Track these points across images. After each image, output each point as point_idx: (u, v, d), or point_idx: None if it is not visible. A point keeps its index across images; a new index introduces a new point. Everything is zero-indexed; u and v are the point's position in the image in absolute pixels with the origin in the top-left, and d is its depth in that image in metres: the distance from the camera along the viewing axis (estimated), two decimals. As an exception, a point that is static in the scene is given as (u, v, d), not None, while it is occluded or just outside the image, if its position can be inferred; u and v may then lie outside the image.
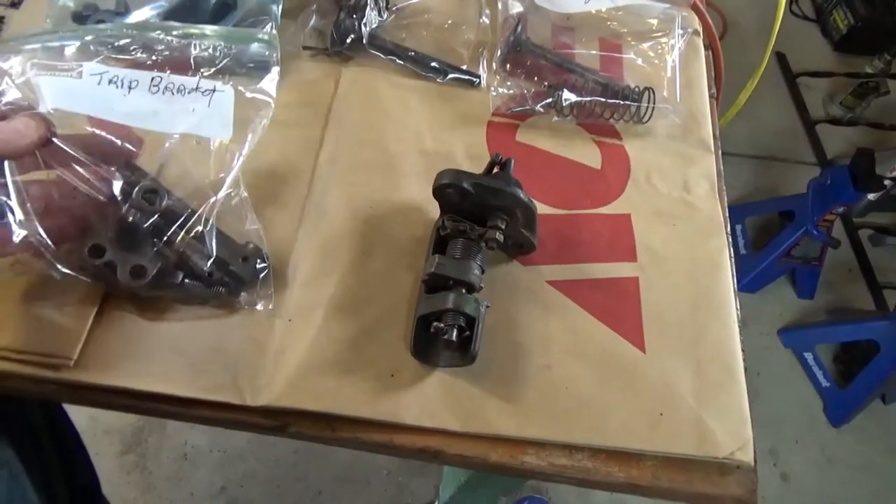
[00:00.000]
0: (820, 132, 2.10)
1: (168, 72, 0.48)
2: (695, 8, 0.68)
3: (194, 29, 0.50)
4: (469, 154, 0.57)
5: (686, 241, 0.57)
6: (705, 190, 0.60)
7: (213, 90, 0.47)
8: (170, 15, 0.54)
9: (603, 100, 0.60)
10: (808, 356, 1.63)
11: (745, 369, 0.50)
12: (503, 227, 0.48)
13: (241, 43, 0.50)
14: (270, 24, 0.56)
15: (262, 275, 0.47)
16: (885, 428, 1.61)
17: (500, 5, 0.63)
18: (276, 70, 0.49)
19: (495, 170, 0.51)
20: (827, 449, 1.57)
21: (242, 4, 0.56)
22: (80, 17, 0.55)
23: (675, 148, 0.62)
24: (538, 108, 0.59)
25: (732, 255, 0.58)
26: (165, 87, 0.47)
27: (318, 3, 0.59)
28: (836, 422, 1.57)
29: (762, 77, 2.28)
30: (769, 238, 1.76)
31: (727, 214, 0.60)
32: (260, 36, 0.51)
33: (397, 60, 0.59)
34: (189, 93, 0.47)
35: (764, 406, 1.60)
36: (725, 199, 0.61)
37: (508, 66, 0.60)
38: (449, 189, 0.47)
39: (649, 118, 0.61)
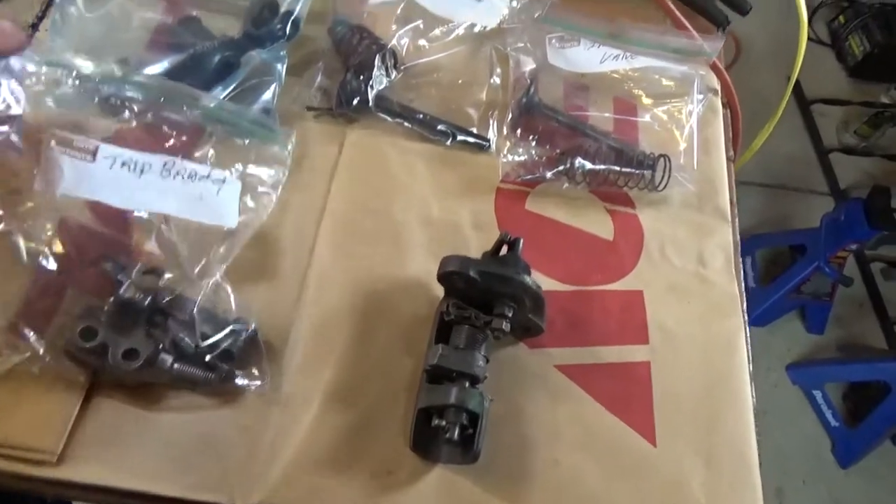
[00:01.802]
0: (833, 161, 2.07)
1: (180, 156, 0.47)
2: (714, 67, 0.66)
3: (212, 104, 0.50)
4: (476, 223, 0.55)
5: (700, 320, 0.54)
6: (721, 263, 0.58)
7: (223, 181, 0.47)
8: (172, 74, 0.52)
9: (618, 168, 0.57)
10: (818, 394, 1.60)
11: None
12: (510, 315, 0.45)
13: (254, 137, 0.49)
14: (274, 85, 0.54)
15: (254, 356, 0.46)
16: (894, 470, 1.58)
17: (511, 63, 0.61)
18: (284, 171, 0.50)
19: (503, 249, 0.49)
20: (834, 490, 1.54)
21: (246, 63, 0.54)
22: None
23: (690, 217, 0.59)
24: (549, 175, 0.57)
25: (748, 334, 0.55)
26: (177, 173, 0.46)
27: (325, 62, 0.57)
28: (845, 463, 1.54)
29: (775, 103, 2.26)
30: (779, 270, 1.73)
31: (743, 289, 0.58)
32: (274, 134, 0.51)
33: (405, 123, 0.57)
34: (199, 180, 0.47)
35: (771, 445, 1.57)
36: (742, 273, 0.59)
37: (519, 130, 0.58)
38: (454, 277, 0.45)
39: (665, 187, 0.58)
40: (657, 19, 0.68)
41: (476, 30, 0.61)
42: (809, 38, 2.41)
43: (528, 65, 0.60)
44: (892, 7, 2.33)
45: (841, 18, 2.38)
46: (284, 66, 0.55)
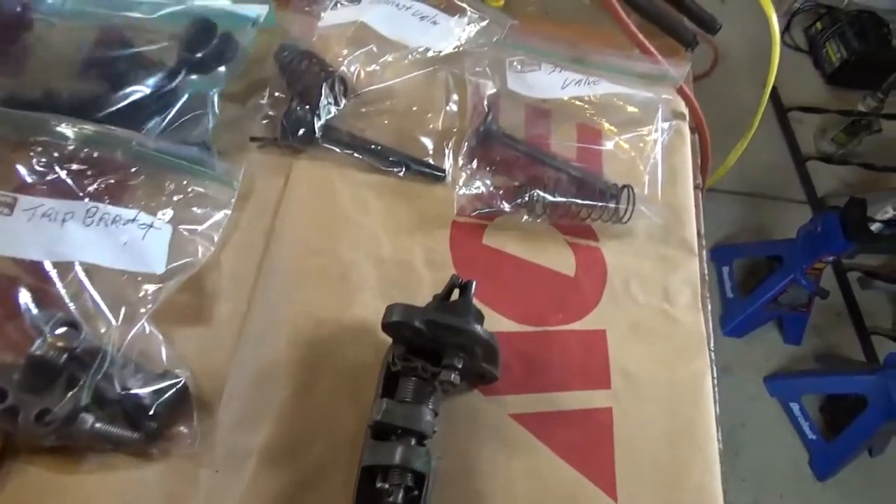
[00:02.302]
0: (811, 169, 2.07)
1: (106, 200, 0.45)
2: (681, 91, 0.63)
3: (145, 143, 0.46)
4: (429, 261, 0.52)
5: (665, 362, 0.52)
6: (687, 299, 0.55)
7: (150, 225, 0.44)
8: (102, 106, 0.49)
9: (579, 201, 0.55)
10: (795, 407, 1.59)
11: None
12: (459, 366, 0.43)
13: (192, 174, 0.46)
14: (208, 121, 0.50)
15: (185, 412, 0.42)
16: (871, 482, 1.57)
17: (469, 89, 0.58)
18: (225, 213, 0.47)
19: (455, 293, 0.46)
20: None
21: (183, 93, 0.51)
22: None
23: (655, 250, 0.57)
24: (508, 208, 0.54)
25: (715, 377, 0.53)
26: (100, 219, 0.43)
27: (271, 89, 0.54)
28: (822, 475, 1.53)
29: (753, 111, 2.25)
30: (756, 281, 1.72)
31: (710, 327, 0.55)
32: (217, 174, 0.48)
33: (354, 154, 0.54)
34: (124, 224, 0.44)
35: (748, 459, 1.56)
36: (709, 308, 0.56)
37: (476, 160, 0.55)
38: (400, 326, 0.42)
39: (629, 219, 0.56)
40: (622, 43, 0.65)
41: (430, 54, 0.58)
42: (786, 45, 2.42)
43: (487, 90, 0.58)
44: (868, 14, 2.33)
45: (818, 25, 2.38)
46: (217, 94, 0.51)
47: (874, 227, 1.74)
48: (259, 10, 0.54)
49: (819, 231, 1.48)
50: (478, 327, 0.43)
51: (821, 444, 1.54)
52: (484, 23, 0.59)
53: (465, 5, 0.60)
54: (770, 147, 2.12)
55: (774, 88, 2.22)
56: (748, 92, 2.23)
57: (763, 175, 2.05)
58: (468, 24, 0.59)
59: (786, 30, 2.44)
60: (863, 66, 2.22)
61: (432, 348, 0.43)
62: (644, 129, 0.59)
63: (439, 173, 0.55)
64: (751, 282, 1.76)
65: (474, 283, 0.46)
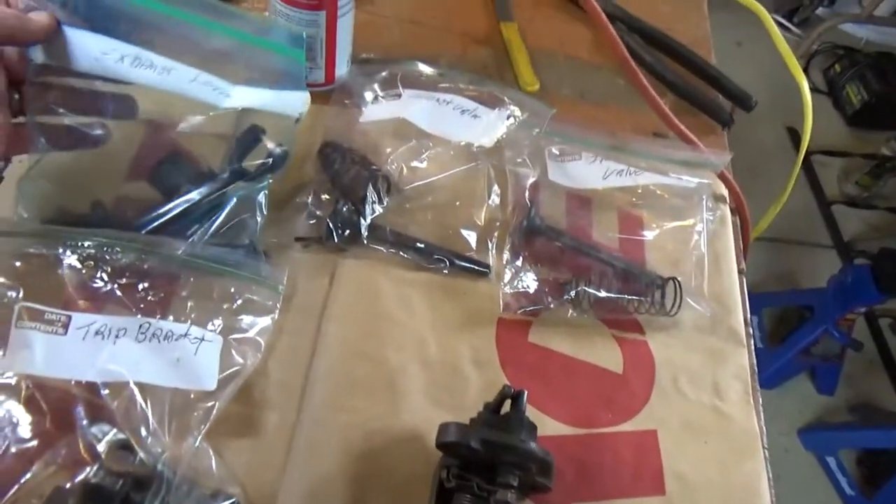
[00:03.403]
0: (836, 213, 2.05)
1: (158, 314, 0.44)
2: (721, 176, 0.63)
3: (193, 252, 0.47)
4: (476, 361, 0.52)
5: (719, 462, 0.51)
6: (738, 394, 0.54)
7: (202, 339, 0.43)
8: (157, 221, 0.49)
9: (626, 296, 0.54)
10: (831, 461, 1.55)
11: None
12: (515, 484, 0.42)
13: (240, 281, 0.46)
14: (258, 220, 0.51)
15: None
16: (914, 539, 1.52)
17: (510, 180, 0.58)
18: (272, 318, 0.47)
19: (506, 403, 0.45)
20: (853, 564, 1.48)
21: (230, 200, 0.51)
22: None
23: (703, 342, 0.56)
24: (553, 304, 0.54)
25: (771, 478, 0.52)
26: (153, 335, 0.43)
27: (315, 188, 0.54)
28: (863, 534, 1.49)
29: (775, 155, 2.25)
30: (786, 329, 1.69)
31: (763, 422, 0.54)
32: (262, 277, 0.47)
33: (399, 252, 0.54)
34: (176, 339, 0.43)
35: (785, 515, 1.51)
36: (760, 401, 0.55)
37: (520, 256, 0.55)
38: (454, 446, 0.41)
39: (677, 311, 0.55)
40: (658, 124, 0.65)
41: (473, 148, 0.58)
42: (806, 87, 2.41)
43: (528, 181, 0.58)
44: (887, 55, 2.34)
45: (836, 67, 2.39)
46: (265, 199, 0.51)
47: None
48: (301, 108, 0.54)
49: (850, 282, 1.46)
50: (533, 445, 0.42)
51: (860, 500, 1.49)
52: (524, 115, 0.59)
53: (504, 97, 0.60)
54: (794, 191, 2.09)
55: (795, 131, 2.22)
56: (770, 133, 2.23)
57: (787, 220, 2.03)
58: (508, 116, 0.59)
59: (804, 72, 2.44)
60: (884, 107, 2.22)
61: (485, 464, 0.43)
62: (688, 220, 0.58)
63: (483, 269, 0.55)
64: (781, 330, 1.74)
65: (525, 394, 0.45)
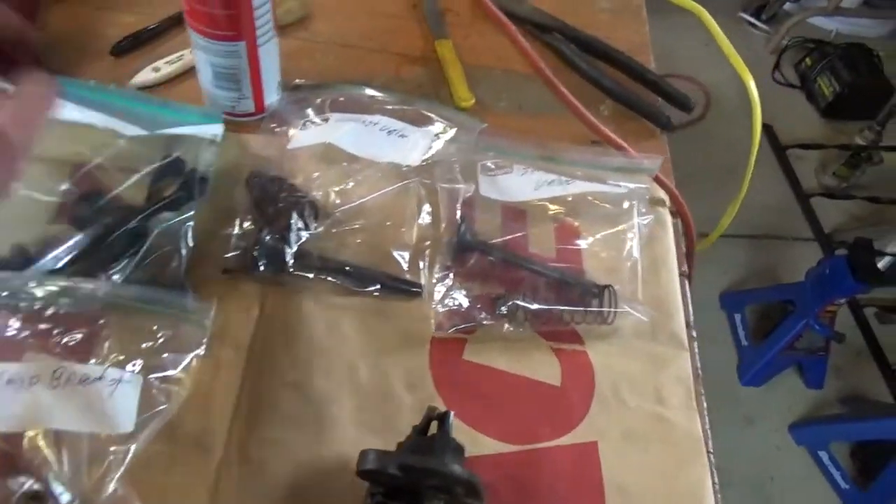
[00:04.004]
0: (815, 205, 2.05)
1: (73, 358, 0.44)
2: (657, 180, 0.63)
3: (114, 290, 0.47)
4: (409, 384, 0.51)
5: (661, 470, 0.50)
6: (680, 398, 0.53)
7: (119, 380, 0.43)
8: (78, 258, 0.49)
9: (561, 308, 0.54)
10: (824, 455, 1.53)
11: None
12: (440, 508, 0.41)
13: (166, 320, 0.46)
14: (183, 253, 0.50)
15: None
16: (913, 530, 1.50)
17: (441, 198, 0.58)
18: (197, 354, 0.47)
19: (432, 426, 0.45)
20: (852, 559, 1.46)
21: (153, 232, 0.51)
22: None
23: (643, 348, 0.56)
24: (488, 320, 0.53)
25: (717, 482, 0.51)
26: (67, 380, 0.43)
27: (241, 218, 0.54)
28: (861, 528, 1.47)
29: (749, 151, 2.24)
30: (770, 325, 1.69)
31: (707, 426, 0.53)
32: (189, 314, 0.47)
33: (328, 278, 0.53)
34: (92, 383, 0.43)
35: (781, 513, 1.50)
36: (704, 405, 0.54)
37: (451, 274, 0.54)
38: (374, 474, 0.41)
39: (613, 320, 0.54)
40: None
41: (403, 168, 0.58)
42: (778, 82, 2.43)
43: (459, 198, 0.57)
44: (856, 46, 2.35)
45: (807, 61, 2.40)
46: (191, 231, 0.51)
47: (883, 262, 1.72)
48: (215, 130, 0.54)
49: (828, 274, 1.45)
50: (455, 467, 0.41)
51: (855, 493, 1.48)
52: (453, 131, 0.59)
53: (432, 115, 0.60)
54: (772, 186, 2.11)
55: (770, 127, 2.22)
56: (744, 131, 2.22)
57: (767, 215, 2.04)
58: (437, 133, 0.59)
59: (776, 68, 2.46)
60: (856, 97, 2.23)
61: (410, 490, 0.42)
62: (622, 225, 0.58)
63: (415, 289, 0.54)
64: (765, 326, 1.73)
65: (451, 416, 0.44)
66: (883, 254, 1.79)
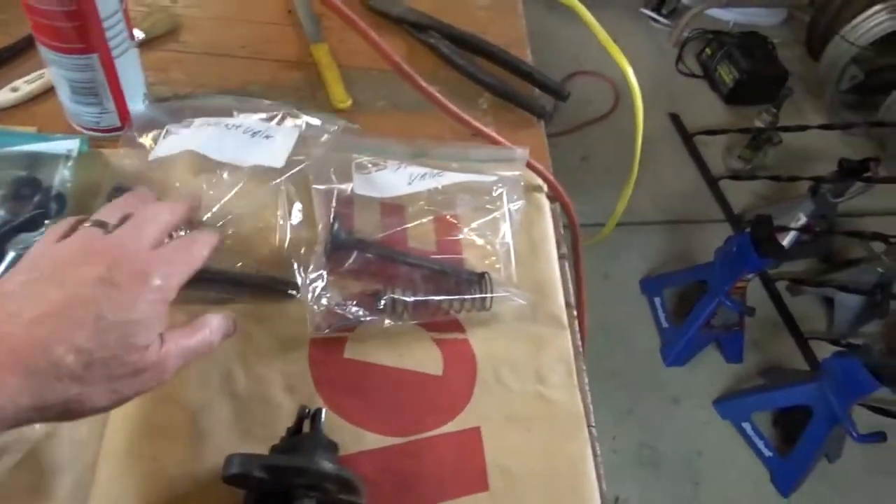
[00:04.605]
0: (724, 188, 2.14)
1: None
2: (530, 166, 0.64)
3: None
4: (289, 387, 0.50)
5: (543, 448, 0.51)
6: (561, 377, 0.55)
7: None
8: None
9: (437, 298, 0.54)
10: (747, 426, 1.59)
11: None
12: (311, 507, 0.41)
13: None
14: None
15: None
16: (835, 488, 1.57)
17: (316, 198, 0.57)
18: None
19: (305, 425, 0.44)
20: (780, 522, 1.52)
21: (12, 253, 0.49)
22: None
23: (524, 330, 0.56)
24: (367, 317, 0.53)
25: (599, 453, 0.52)
26: None
27: (104, 234, 0.52)
28: (785, 492, 1.53)
29: (661, 140, 2.33)
30: (689, 306, 1.74)
31: (588, 400, 0.55)
32: None
33: (199, 288, 0.52)
34: None
35: (710, 486, 1.55)
36: (585, 381, 0.56)
37: (327, 273, 0.54)
38: (241, 478, 0.40)
39: (491, 305, 0.55)
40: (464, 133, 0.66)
41: (269, 170, 0.57)
42: (682, 73, 2.53)
43: (333, 197, 0.57)
44: (752, 34, 2.46)
45: (707, 50, 2.50)
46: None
47: (787, 237, 1.80)
48: (70, 145, 0.53)
49: (735, 252, 1.51)
50: (324, 463, 0.41)
51: (778, 460, 1.54)
52: (323, 134, 0.59)
53: (298, 113, 0.60)
54: (682, 173, 2.19)
55: (677, 116, 2.31)
56: (654, 121, 2.31)
57: (680, 201, 2.11)
58: (304, 132, 0.59)
59: (679, 59, 2.55)
60: (755, 83, 2.34)
61: (281, 491, 0.41)
62: (496, 213, 0.59)
63: (290, 290, 0.54)
64: (684, 307, 1.79)
65: (323, 412, 0.44)
66: (788, 229, 1.88)
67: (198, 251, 0.43)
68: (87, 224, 0.42)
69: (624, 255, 1.91)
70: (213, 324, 0.44)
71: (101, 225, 0.41)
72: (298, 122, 0.58)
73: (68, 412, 0.35)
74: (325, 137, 0.58)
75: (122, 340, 0.36)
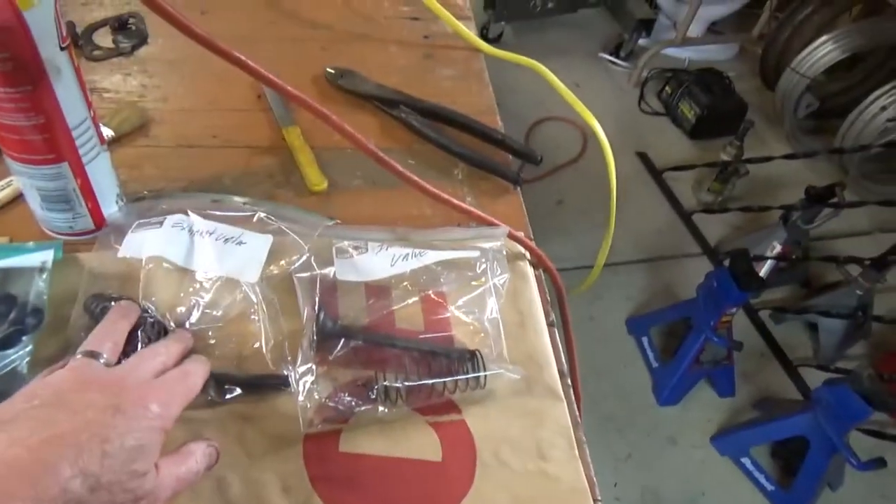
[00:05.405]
0: (697, 221, 2.17)
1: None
2: (511, 237, 0.64)
3: None
4: (285, 487, 0.49)
5: (551, 530, 0.49)
6: (563, 451, 0.54)
7: None
8: None
9: (431, 381, 0.53)
10: (746, 461, 1.58)
11: None
12: None
13: None
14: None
15: None
16: (840, 518, 1.56)
17: (298, 289, 0.57)
18: None
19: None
20: (791, 557, 1.50)
21: None
22: None
23: (521, 406, 0.56)
24: (359, 408, 0.52)
25: None
26: None
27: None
28: (792, 525, 1.51)
29: (632, 179, 2.36)
30: (677, 343, 1.74)
31: (592, 473, 0.53)
32: None
33: (185, 393, 0.51)
34: None
35: (717, 527, 1.52)
36: (587, 452, 0.55)
37: (314, 366, 0.53)
38: None
39: (485, 383, 0.54)
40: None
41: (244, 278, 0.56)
42: (645, 112, 2.59)
43: (317, 286, 0.57)
44: (708, 70, 2.54)
45: (667, 89, 2.57)
46: (28, 366, 0.48)
47: (765, 266, 1.83)
48: (44, 257, 0.52)
49: (716, 287, 1.52)
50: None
51: (780, 493, 1.53)
52: (298, 236, 0.59)
53: (272, 220, 0.59)
54: (655, 210, 2.22)
55: (645, 154, 2.35)
56: (623, 160, 2.36)
57: (657, 238, 2.13)
58: (263, 251, 0.58)
59: (641, 98, 2.62)
60: (716, 117, 2.40)
61: None
62: (478, 289, 0.59)
63: (281, 385, 0.53)
64: (673, 345, 1.79)
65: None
66: (764, 258, 1.91)
67: (193, 382, 0.45)
68: (78, 356, 0.43)
69: (607, 296, 1.92)
70: (198, 453, 0.44)
71: (92, 355, 0.43)
72: (278, 227, 0.58)
73: None
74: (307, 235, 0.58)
75: (126, 466, 0.36)
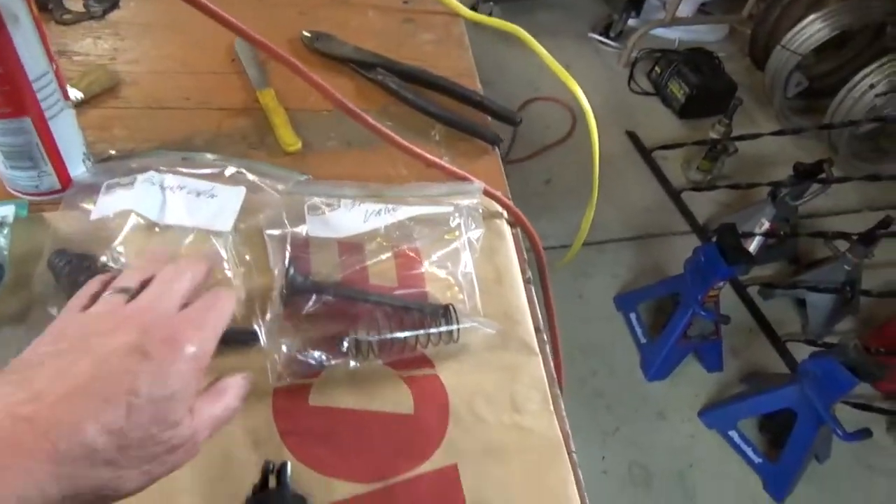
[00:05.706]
0: (686, 199, 2.16)
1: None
2: (487, 193, 0.63)
3: None
4: (254, 442, 0.48)
5: (524, 479, 0.49)
6: (537, 404, 0.53)
7: None
8: None
9: (403, 335, 0.53)
10: (734, 435, 1.58)
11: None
12: (281, 567, 0.38)
13: None
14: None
15: None
16: (828, 489, 1.57)
17: (269, 245, 0.56)
18: None
19: (271, 481, 0.42)
20: (777, 528, 1.51)
21: None
22: None
23: (495, 360, 0.55)
24: (329, 363, 0.51)
25: (581, 480, 0.50)
26: None
27: (49, 301, 0.50)
28: (778, 497, 1.52)
29: (621, 158, 2.35)
30: (665, 319, 1.74)
31: (567, 426, 0.53)
32: None
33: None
34: None
35: (704, 498, 1.53)
36: (562, 406, 0.54)
37: (284, 319, 0.52)
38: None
39: (458, 337, 0.54)
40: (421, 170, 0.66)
41: (217, 228, 0.56)
42: (635, 92, 2.57)
43: (287, 242, 0.56)
44: (698, 50, 2.53)
45: (657, 69, 2.56)
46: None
47: (753, 243, 1.82)
48: (4, 212, 0.51)
49: (703, 262, 1.52)
50: (293, 521, 0.39)
51: (768, 466, 1.53)
52: (273, 189, 0.58)
53: (245, 171, 0.58)
54: (645, 189, 2.21)
55: (634, 134, 2.34)
56: (612, 139, 2.35)
57: (645, 216, 2.13)
58: (249, 192, 0.58)
59: (631, 79, 2.61)
60: (705, 96, 2.39)
61: (250, 554, 0.39)
62: (455, 243, 0.58)
63: (250, 339, 0.52)
64: (661, 321, 1.79)
65: (288, 466, 0.42)
66: (753, 235, 1.91)
67: (225, 309, 0.38)
68: (108, 292, 0.38)
69: (596, 274, 1.91)
70: (234, 388, 0.39)
71: (124, 291, 0.38)
72: (250, 178, 0.57)
73: (99, 500, 0.31)
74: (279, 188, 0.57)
75: (156, 417, 0.32)
